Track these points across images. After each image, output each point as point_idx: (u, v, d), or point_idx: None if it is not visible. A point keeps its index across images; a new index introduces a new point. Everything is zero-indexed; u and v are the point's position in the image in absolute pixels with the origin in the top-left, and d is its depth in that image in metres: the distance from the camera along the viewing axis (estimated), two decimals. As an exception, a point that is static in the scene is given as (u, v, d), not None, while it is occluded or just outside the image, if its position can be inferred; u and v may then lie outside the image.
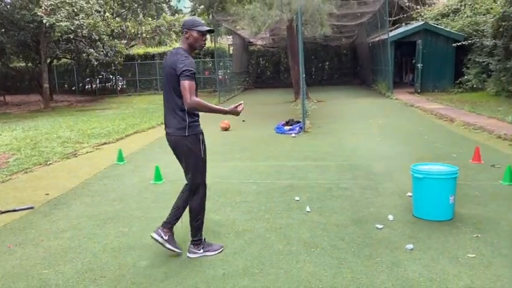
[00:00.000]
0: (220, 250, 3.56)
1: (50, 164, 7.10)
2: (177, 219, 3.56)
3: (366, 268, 3.18)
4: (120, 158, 7.05)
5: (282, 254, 3.46)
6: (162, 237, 3.46)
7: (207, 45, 25.94)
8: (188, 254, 3.50)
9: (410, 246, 3.49)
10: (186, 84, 3.16)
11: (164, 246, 3.47)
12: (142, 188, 5.51)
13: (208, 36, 3.34)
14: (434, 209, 4.01)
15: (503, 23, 13.55)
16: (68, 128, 11.11)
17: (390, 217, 4.15)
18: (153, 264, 3.39)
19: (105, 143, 8.79)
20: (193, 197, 3.48)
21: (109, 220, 4.40)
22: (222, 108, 3.44)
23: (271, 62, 26.91)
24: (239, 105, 3.45)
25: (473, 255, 3.33)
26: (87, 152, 7.95)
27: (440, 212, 4.02)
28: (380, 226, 3.95)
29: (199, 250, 3.51)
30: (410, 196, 4.49)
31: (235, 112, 3.42)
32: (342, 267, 3.21)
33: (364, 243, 3.62)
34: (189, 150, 3.35)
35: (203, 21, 3.45)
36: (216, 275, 3.17)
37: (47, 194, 5.37)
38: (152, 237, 3.50)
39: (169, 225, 3.53)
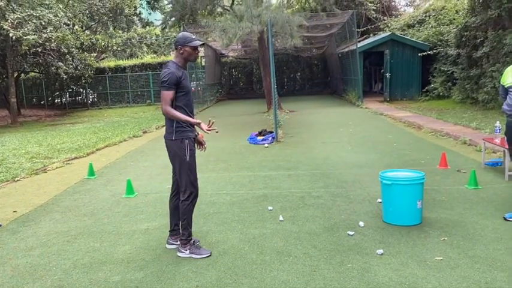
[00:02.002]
0: (207, 256, 3.65)
1: (17, 180, 6.92)
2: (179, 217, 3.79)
3: (337, 274, 3.23)
4: (91, 172, 6.94)
5: (255, 264, 3.48)
6: (174, 243, 3.84)
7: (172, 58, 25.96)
8: (177, 252, 3.72)
9: (380, 251, 3.57)
10: (162, 94, 3.53)
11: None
12: (114, 202, 5.44)
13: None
14: (403, 214, 4.12)
15: (466, 33, 14.09)
16: (37, 143, 10.86)
17: (361, 223, 4.24)
18: (125, 279, 3.34)
19: (75, 158, 8.64)
20: (182, 198, 3.67)
21: (80, 236, 4.33)
22: (188, 118, 3.58)
23: (244, 73, 27.09)
24: (210, 124, 3.62)
25: (441, 258, 3.43)
26: (56, 168, 7.79)
27: (408, 217, 4.13)
28: (351, 233, 4.02)
29: (186, 250, 3.68)
30: (380, 202, 4.60)
31: (199, 127, 3.59)
32: (314, 274, 3.26)
33: (336, 250, 3.68)
34: (175, 154, 3.62)
35: (193, 36, 3.69)
36: (190, 287, 3.16)
37: (14, 211, 5.24)
38: (167, 248, 3.85)
39: (174, 232, 3.85)
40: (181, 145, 3.58)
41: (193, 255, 3.65)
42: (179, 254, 3.70)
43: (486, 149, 6.69)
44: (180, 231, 3.74)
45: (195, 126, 3.68)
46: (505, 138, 4.33)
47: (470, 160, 6.83)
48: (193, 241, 3.74)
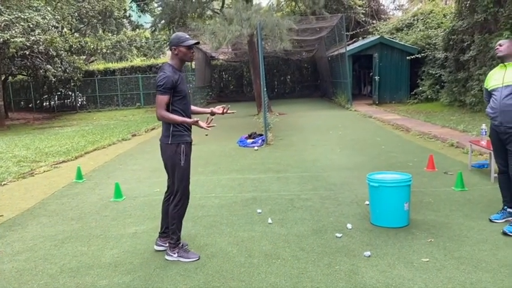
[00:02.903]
0: (195, 259, 3.64)
1: (4, 184, 6.85)
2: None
3: (325, 277, 3.25)
4: (79, 176, 6.89)
5: (244, 267, 3.48)
6: (162, 245, 3.83)
7: (168, 60, 25.90)
8: (165, 256, 3.70)
9: (368, 253, 3.59)
10: (157, 98, 3.50)
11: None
12: (102, 206, 5.41)
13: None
14: (390, 216, 4.16)
15: (453, 37, 14.26)
16: (24, 147, 10.75)
17: (349, 226, 4.26)
18: (112, 283, 3.32)
19: (63, 161, 8.56)
20: (172, 202, 3.65)
21: (67, 240, 4.29)
22: (185, 118, 3.53)
23: (234, 76, 27.10)
24: (208, 121, 3.62)
25: (427, 260, 3.46)
26: (44, 171, 7.72)
27: (396, 219, 4.16)
28: (339, 235, 4.04)
29: (174, 254, 3.66)
30: (368, 204, 4.63)
31: (197, 125, 3.57)
32: (302, 277, 3.27)
33: (324, 252, 3.70)
34: (170, 158, 3.58)
35: (187, 36, 3.60)
36: (177, 290, 3.15)
37: (1, 216, 5.18)
38: (155, 250, 3.84)
39: (165, 234, 3.82)
40: (177, 149, 3.54)
41: (182, 259, 3.64)
42: (167, 257, 3.68)
43: (473, 151, 6.77)
44: (169, 235, 3.72)
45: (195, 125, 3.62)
46: (490, 140, 4.39)
47: (457, 162, 6.90)
48: (182, 244, 3.73)
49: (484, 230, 4.02)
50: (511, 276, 3.14)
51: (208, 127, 3.56)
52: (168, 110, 3.51)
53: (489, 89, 4.19)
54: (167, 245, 3.76)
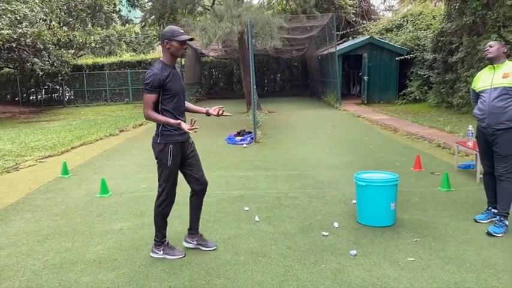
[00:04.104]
0: (180, 257, 3.60)
1: (-12, 178, 6.74)
2: (197, 217, 3.81)
3: (311, 275, 3.24)
4: (65, 171, 6.80)
5: (230, 265, 3.46)
6: (190, 242, 3.78)
7: (158, 56, 25.72)
8: (151, 253, 3.68)
9: (353, 252, 3.60)
10: (143, 97, 3.39)
11: (201, 249, 3.76)
12: (88, 202, 5.34)
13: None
14: (377, 215, 4.17)
15: (442, 38, 14.39)
16: (10, 141, 10.59)
17: (336, 224, 4.27)
18: (96, 279, 3.28)
19: (49, 156, 8.45)
20: (158, 200, 3.60)
21: (51, 235, 4.23)
22: (167, 119, 3.38)
23: (224, 73, 27.02)
24: (189, 124, 3.40)
25: (413, 259, 3.48)
26: (29, 166, 7.61)
27: (382, 218, 4.18)
28: (326, 233, 4.04)
29: (160, 251, 3.63)
30: (355, 203, 4.64)
31: (180, 127, 3.33)
32: (288, 275, 3.26)
33: (310, 250, 3.70)
34: (158, 157, 3.51)
35: (181, 30, 3.47)
36: (162, 288, 3.12)
37: (-17, 210, 5.09)
38: (184, 246, 3.80)
39: (192, 230, 3.80)
40: (165, 149, 3.45)
41: (167, 256, 3.61)
42: (152, 254, 3.66)
43: (459, 152, 6.83)
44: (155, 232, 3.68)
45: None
46: (477, 141, 4.43)
47: (444, 163, 6.96)
48: (167, 242, 3.69)
49: (469, 230, 4.06)
50: (494, 276, 3.17)
51: (190, 129, 3.30)
52: (156, 108, 3.41)
53: (477, 91, 4.22)
54: (194, 242, 3.75)
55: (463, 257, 3.50)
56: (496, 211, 4.15)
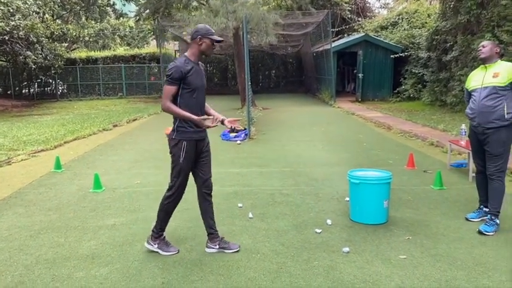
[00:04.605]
0: (174, 253, 3.60)
1: (-21, 172, 6.69)
2: (211, 220, 3.72)
3: (303, 272, 3.26)
4: (58, 165, 6.77)
5: (223, 261, 3.47)
6: (212, 247, 3.67)
7: (152, 50, 25.61)
8: (145, 243, 3.68)
9: (346, 249, 3.62)
10: (164, 89, 3.41)
11: (224, 252, 3.64)
12: (81, 197, 5.33)
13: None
14: (370, 213, 4.20)
15: (436, 37, 14.44)
16: (1, 135, 10.51)
17: (329, 221, 4.29)
18: (89, 275, 3.28)
19: (42, 150, 8.40)
20: (166, 194, 3.60)
21: (43, 230, 4.22)
22: (189, 115, 3.36)
23: (219, 68, 26.97)
24: (213, 119, 3.42)
25: (405, 257, 3.51)
26: (22, 160, 7.55)
27: (375, 215, 4.20)
28: (319, 230, 4.07)
29: (155, 244, 3.63)
30: (348, 201, 4.66)
31: (201, 123, 3.36)
32: (280, 271, 3.28)
33: (303, 247, 3.72)
34: (171, 152, 3.51)
35: (213, 30, 3.52)
36: (155, 284, 3.13)
37: (-25, 205, 5.06)
38: (206, 251, 3.67)
39: (212, 235, 3.69)
40: (178, 145, 3.43)
41: (160, 251, 3.61)
42: (147, 245, 3.66)
43: (452, 150, 6.88)
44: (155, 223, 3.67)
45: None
46: (469, 140, 4.47)
47: (437, 161, 7.01)
48: (164, 237, 3.68)
49: (461, 229, 4.10)
50: (485, 274, 3.20)
51: (213, 126, 3.39)
52: (175, 102, 3.38)
53: (469, 90, 4.25)
54: (217, 246, 3.65)
55: (454, 255, 3.53)
56: (487, 210, 4.19)
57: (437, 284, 3.06)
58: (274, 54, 24.58)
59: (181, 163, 3.47)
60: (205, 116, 3.44)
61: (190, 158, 3.50)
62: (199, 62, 3.56)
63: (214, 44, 3.48)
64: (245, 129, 9.90)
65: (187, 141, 3.44)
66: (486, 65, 4.10)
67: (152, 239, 3.65)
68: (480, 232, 3.96)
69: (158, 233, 3.65)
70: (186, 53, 3.51)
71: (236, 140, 9.23)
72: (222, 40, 3.51)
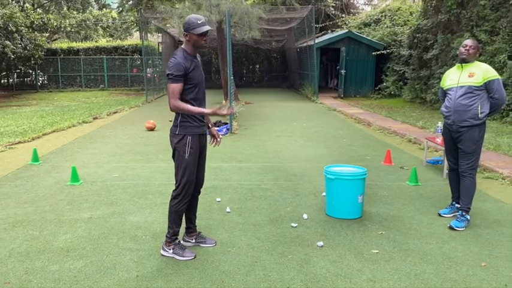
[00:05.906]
0: (190, 258, 3.42)
1: (-46, 164, 6.57)
2: (193, 216, 3.72)
3: (277, 265, 3.31)
4: (35, 158, 6.69)
5: (198, 255, 3.50)
6: (189, 241, 3.67)
7: (135, 42, 25.32)
8: (161, 250, 3.53)
9: (320, 243, 3.69)
10: (169, 87, 3.25)
11: (200, 246, 3.66)
12: (57, 190, 5.28)
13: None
14: (345, 208, 4.27)
15: (418, 35, 14.64)
16: (-22, 125, 10.31)
17: (305, 216, 4.35)
18: (63, 268, 3.27)
19: (19, 142, 8.27)
20: (172, 194, 3.48)
21: (18, 223, 4.17)
22: (202, 109, 3.33)
23: (202, 62, 25.97)
24: (226, 108, 3.40)
25: (377, 251, 3.59)
26: (-2, 152, 7.44)
27: (349, 210, 4.28)
28: (295, 225, 4.12)
29: (170, 250, 3.48)
30: (325, 196, 4.72)
31: (219, 113, 3.33)
32: (255, 265, 3.32)
33: (279, 241, 3.77)
34: (175, 149, 3.41)
35: (201, 20, 3.26)
36: (130, 277, 3.14)
37: None
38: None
39: (190, 229, 3.69)
40: (183, 140, 3.33)
41: (176, 256, 3.45)
42: (162, 252, 3.49)
43: (429, 147, 7.00)
44: (167, 229, 3.53)
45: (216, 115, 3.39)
46: (443, 138, 4.56)
47: (414, 158, 7.14)
48: (179, 241, 3.54)
49: (433, 224, 4.20)
50: (453, 268, 3.30)
51: (228, 113, 3.37)
52: (181, 99, 3.29)
53: (445, 88, 4.34)
54: (193, 240, 3.64)
55: (425, 249, 3.62)
56: (459, 206, 4.30)
57: (406, 278, 3.14)
58: (259, 48, 24.57)
59: (187, 159, 3.36)
60: (221, 104, 3.40)
61: (196, 152, 3.41)
62: (197, 55, 3.46)
63: (204, 35, 3.29)
64: (227, 123, 9.91)
65: (192, 135, 3.36)
66: (463, 64, 4.19)
67: (166, 244, 3.49)
68: (451, 227, 4.06)
69: (171, 238, 3.48)
70: (183, 46, 3.37)
71: (217, 134, 9.21)
72: (207, 31, 3.28)
